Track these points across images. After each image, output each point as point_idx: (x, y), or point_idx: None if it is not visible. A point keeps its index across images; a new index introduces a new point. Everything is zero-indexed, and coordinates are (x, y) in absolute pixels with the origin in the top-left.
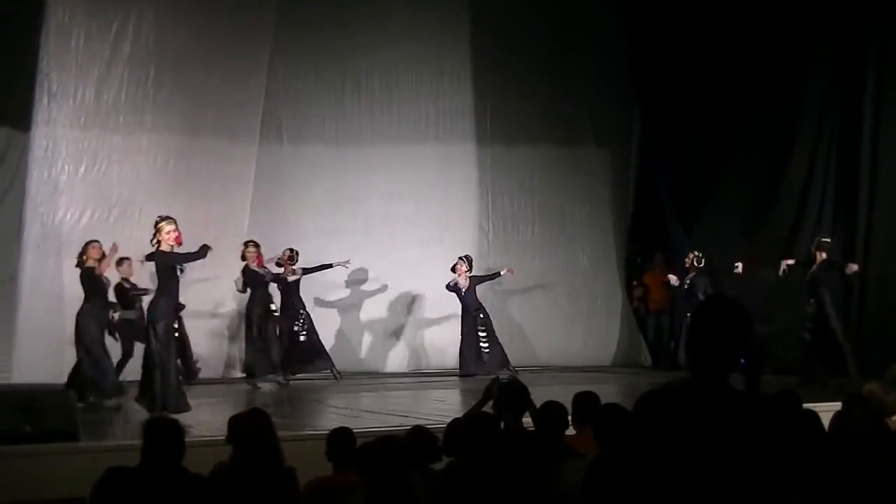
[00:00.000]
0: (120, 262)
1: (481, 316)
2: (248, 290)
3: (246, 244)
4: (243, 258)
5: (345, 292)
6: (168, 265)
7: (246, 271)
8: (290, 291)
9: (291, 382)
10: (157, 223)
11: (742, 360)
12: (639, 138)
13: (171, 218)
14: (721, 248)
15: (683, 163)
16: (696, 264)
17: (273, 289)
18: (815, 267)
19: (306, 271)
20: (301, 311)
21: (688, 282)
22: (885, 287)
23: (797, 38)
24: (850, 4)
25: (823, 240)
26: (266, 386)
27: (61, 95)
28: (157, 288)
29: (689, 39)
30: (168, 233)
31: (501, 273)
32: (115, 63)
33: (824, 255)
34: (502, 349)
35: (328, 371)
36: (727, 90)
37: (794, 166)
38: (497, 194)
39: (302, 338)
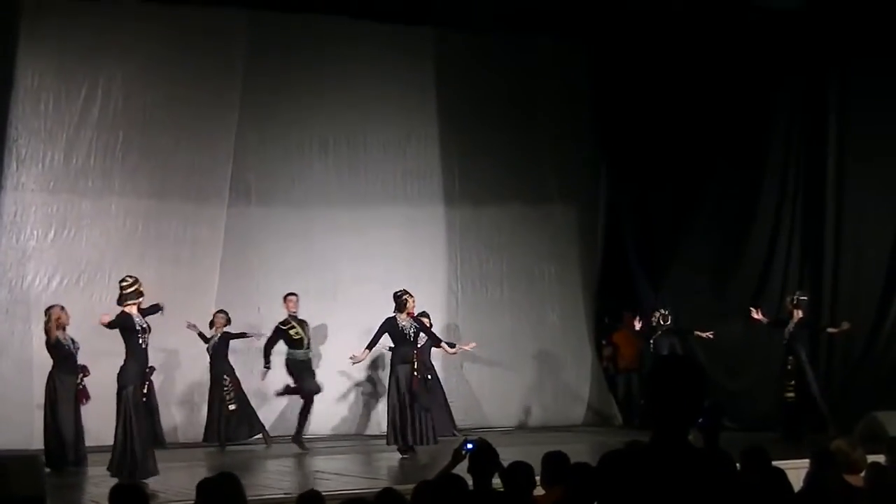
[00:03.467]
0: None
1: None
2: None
3: (216, 313)
4: (211, 325)
5: (317, 355)
6: (131, 327)
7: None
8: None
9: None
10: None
11: (700, 419)
12: (605, 195)
13: (133, 278)
14: (689, 304)
15: (650, 219)
16: (661, 322)
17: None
18: (792, 325)
19: (230, 336)
20: (225, 377)
21: (651, 343)
22: (853, 342)
23: (759, 93)
24: (811, 58)
25: (801, 298)
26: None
27: (30, 160)
28: (126, 352)
29: (653, 96)
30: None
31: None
32: (84, 127)
33: (800, 313)
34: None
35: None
36: (692, 145)
37: (760, 221)
38: (465, 254)
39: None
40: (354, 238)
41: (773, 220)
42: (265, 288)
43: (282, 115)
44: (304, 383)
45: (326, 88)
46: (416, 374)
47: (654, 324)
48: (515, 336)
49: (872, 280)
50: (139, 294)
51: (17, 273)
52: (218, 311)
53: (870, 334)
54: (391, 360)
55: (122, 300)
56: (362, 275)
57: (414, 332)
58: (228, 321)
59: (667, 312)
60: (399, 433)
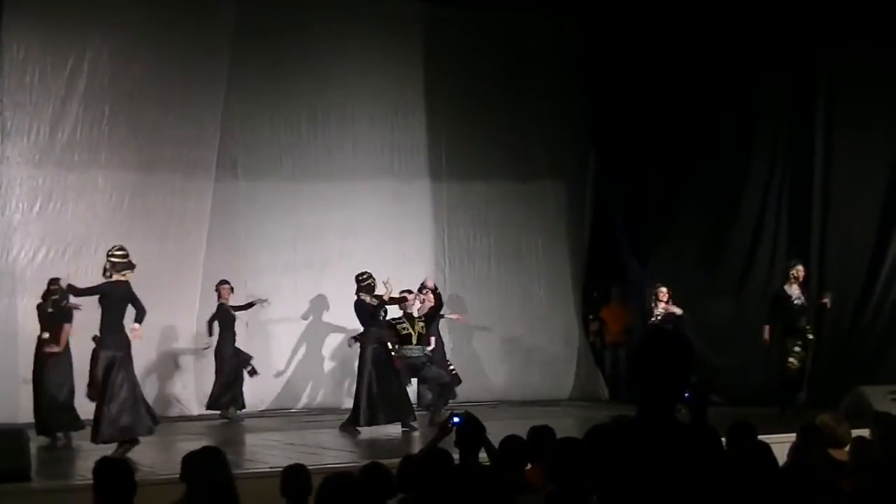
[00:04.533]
0: None
1: None
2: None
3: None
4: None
5: (301, 327)
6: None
7: (221, 309)
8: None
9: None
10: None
11: (686, 394)
12: (594, 172)
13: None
14: (677, 280)
15: (639, 196)
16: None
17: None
18: (797, 292)
19: (236, 308)
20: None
21: (658, 317)
22: (839, 319)
23: (749, 72)
24: (801, 39)
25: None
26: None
27: (16, 133)
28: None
29: (643, 73)
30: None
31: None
32: (70, 100)
33: (801, 280)
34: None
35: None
36: (681, 123)
37: (748, 198)
38: (453, 229)
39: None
40: (342, 212)
41: (762, 196)
42: (252, 261)
43: (269, 88)
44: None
45: (314, 62)
46: (392, 353)
47: (664, 299)
48: (503, 311)
49: (859, 257)
50: (132, 265)
51: (2, 246)
52: (223, 282)
53: (856, 309)
54: (361, 341)
55: (117, 269)
56: (349, 249)
57: (383, 313)
58: (232, 290)
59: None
60: (364, 413)
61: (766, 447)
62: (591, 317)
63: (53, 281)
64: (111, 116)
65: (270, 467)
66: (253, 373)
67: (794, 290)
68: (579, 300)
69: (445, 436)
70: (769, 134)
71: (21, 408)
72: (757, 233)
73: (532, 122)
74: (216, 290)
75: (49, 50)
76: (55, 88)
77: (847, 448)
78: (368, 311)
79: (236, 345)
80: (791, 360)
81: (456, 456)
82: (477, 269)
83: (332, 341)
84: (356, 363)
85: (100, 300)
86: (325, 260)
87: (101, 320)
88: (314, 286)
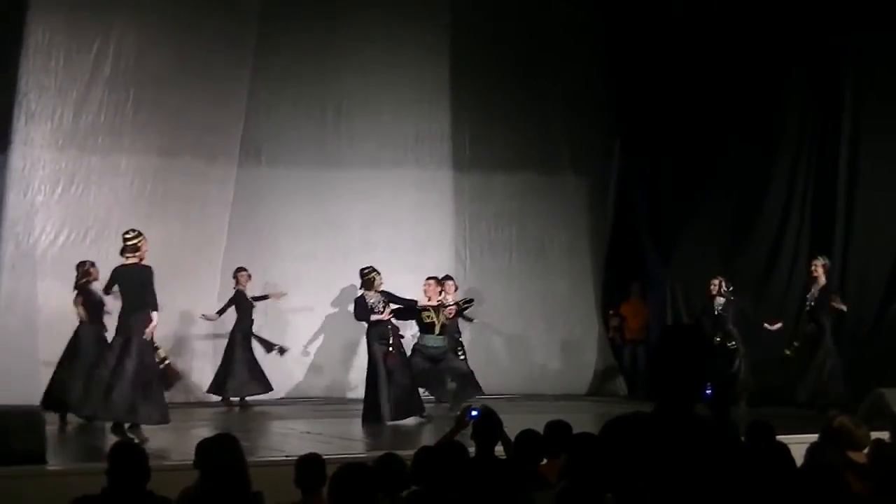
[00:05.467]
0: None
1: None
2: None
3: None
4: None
5: (320, 316)
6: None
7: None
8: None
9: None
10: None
11: (708, 391)
12: (617, 166)
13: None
14: (698, 278)
15: (662, 191)
16: (722, 289)
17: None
18: (816, 291)
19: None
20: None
21: (720, 307)
22: (860, 315)
23: (775, 66)
24: (827, 34)
25: (825, 263)
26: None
27: (39, 116)
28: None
29: (668, 67)
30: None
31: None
32: (95, 84)
33: (824, 279)
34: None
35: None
36: (706, 118)
37: (772, 194)
38: (475, 221)
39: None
40: (364, 201)
41: (786, 194)
42: (273, 249)
43: (294, 76)
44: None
45: (340, 50)
46: (391, 350)
47: (716, 292)
48: (522, 304)
49: (883, 258)
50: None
51: (24, 228)
52: (241, 269)
53: (878, 311)
54: (367, 337)
55: (122, 252)
56: (371, 238)
57: (383, 308)
58: (249, 278)
59: (725, 279)
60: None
61: (784, 447)
62: (611, 312)
63: (81, 264)
64: (135, 101)
65: (285, 456)
66: (282, 351)
67: (813, 289)
68: (599, 295)
69: (462, 429)
70: (794, 130)
71: (40, 390)
72: (780, 231)
73: (557, 116)
74: (234, 277)
75: (74, 34)
76: (80, 72)
77: (865, 450)
78: (363, 306)
79: (254, 331)
80: (787, 352)
81: (472, 449)
82: (497, 262)
83: (352, 331)
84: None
85: (120, 284)
86: (347, 249)
87: (123, 302)
88: (335, 275)
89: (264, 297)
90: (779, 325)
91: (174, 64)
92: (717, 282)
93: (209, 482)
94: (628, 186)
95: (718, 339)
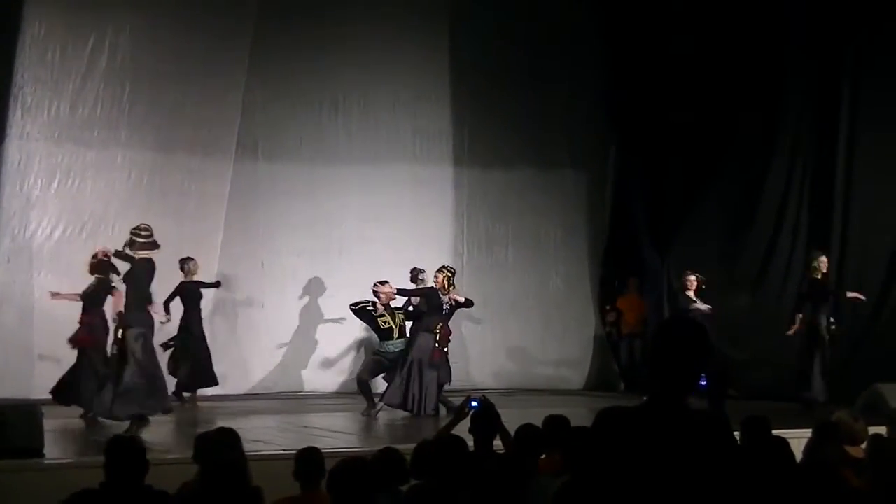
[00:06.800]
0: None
1: None
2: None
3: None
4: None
5: (319, 312)
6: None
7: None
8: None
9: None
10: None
11: (703, 383)
12: (615, 162)
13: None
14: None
15: (659, 187)
16: (701, 287)
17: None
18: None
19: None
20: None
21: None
22: (857, 312)
23: (773, 61)
24: (827, 26)
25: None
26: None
27: (35, 109)
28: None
29: (666, 63)
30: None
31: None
32: (91, 77)
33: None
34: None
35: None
36: (704, 114)
37: (769, 191)
38: (472, 216)
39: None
40: (361, 197)
41: (783, 190)
42: (269, 244)
43: (291, 71)
44: None
45: (337, 45)
46: (437, 345)
47: (694, 288)
48: (519, 299)
49: (879, 253)
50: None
51: (20, 222)
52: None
53: (875, 306)
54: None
55: (134, 248)
56: (367, 234)
57: (449, 308)
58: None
59: (703, 278)
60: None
61: (783, 442)
62: (607, 307)
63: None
64: (131, 95)
65: (284, 450)
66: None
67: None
68: (597, 290)
69: (461, 420)
70: (792, 127)
71: (36, 383)
72: (777, 227)
73: (555, 112)
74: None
75: (71, 27)
76: (76, 65)
77: (863, 445)
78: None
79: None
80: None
81: (471, 443)
82: (495, 256)
83: (349, 326)
84: (370, 348)
85: (124, 277)
86: (344, 244)
87: (126, 296)
88: (332, 270)
89: (217, 284)
90: (798, 326)
91: (171, 58)
92: (693, 278)
93: (209, 476)
94: (626, 182)
95: None
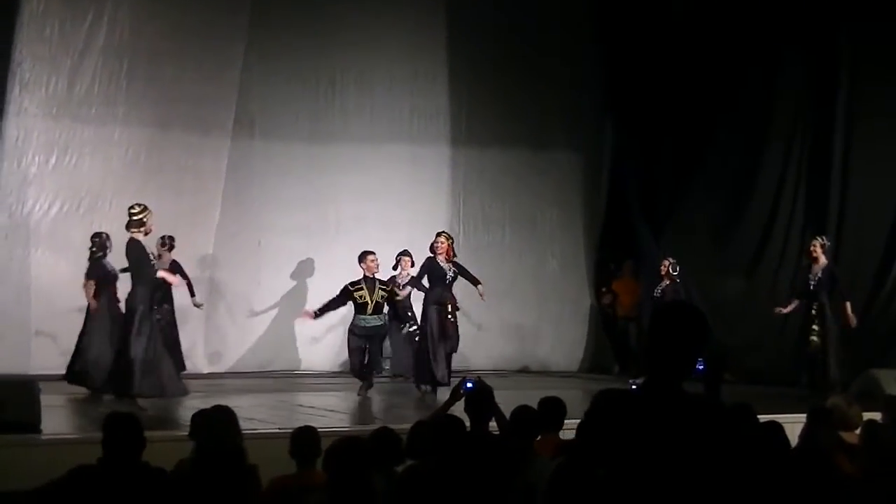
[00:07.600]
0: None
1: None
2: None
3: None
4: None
5: (312, 291)
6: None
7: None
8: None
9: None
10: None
11: (700, 367)
12: (611, 144)
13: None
14: (690, 256)
15: (655, 168)
16: (671, 272)
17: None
18: (819, 271)
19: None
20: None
21: (660, 290)
22: (852, 297)
23: (770, 45)
24: (823, 11)
25: (826, 242)
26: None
27: (33, 85)
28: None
29: (662, 46)
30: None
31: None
32: (89, 54)
33: (825, 259)
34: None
35: None
36: (700, 97)
37: (765, 175)
38: (468, 196)
39: None
40: (357, 175)
41: (779, 173)
42: (266, 221)
43: (289, 49)
44: None
45: (335, 24)
46: (448, 316)
47: (664, 272)
48: (515, 280)
49: (875, 239)
50: (139, 223)
51: (17, 198)
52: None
53: (870, 292)
54: (424, 301)
55: (127, 226)
56: (363, 212)
57: (452, 276)
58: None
59: (675, 262)
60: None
61: (778, 426)
62: (603, 289)
63: (96, 235)
64: (129, 71)
65: (279, 428)
66: None
67: (814, 268)
68: (592, 272)
69: (457, 401)
70: (789, 111)
71: (33, 359)
72: (773, 210)
73: (552, 92)
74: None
75: (69, 3)
76: (74, 42)
77: (858, 431)
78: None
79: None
80: (813, 338)
81: (467, 423)
82: (491, 237)
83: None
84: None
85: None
86: (340, 223)
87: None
88: (327, 249)
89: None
90: (793, 307)
91: (168, 35)
92: (666, 263)
93: (204, 453)
94: (622, 163)
95: None
